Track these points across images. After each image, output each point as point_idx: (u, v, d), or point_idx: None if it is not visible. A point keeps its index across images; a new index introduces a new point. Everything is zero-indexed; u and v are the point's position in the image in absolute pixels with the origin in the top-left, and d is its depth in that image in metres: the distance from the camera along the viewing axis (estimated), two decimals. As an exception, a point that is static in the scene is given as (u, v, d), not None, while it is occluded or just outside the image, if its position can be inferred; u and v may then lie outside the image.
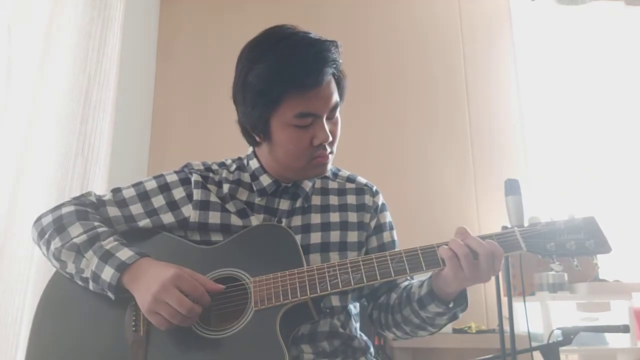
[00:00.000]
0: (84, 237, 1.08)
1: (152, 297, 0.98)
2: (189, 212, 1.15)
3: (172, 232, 1.16)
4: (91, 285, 1.07)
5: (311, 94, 1.04)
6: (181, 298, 0.98)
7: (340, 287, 1.01)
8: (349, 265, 1.03)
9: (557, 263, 1.02)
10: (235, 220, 1.14)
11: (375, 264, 1.02)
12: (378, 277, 1.01)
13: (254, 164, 1.20)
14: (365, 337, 1.21)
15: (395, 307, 1.14)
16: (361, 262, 1.03)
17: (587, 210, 1.16)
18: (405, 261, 1.02)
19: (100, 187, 2.25)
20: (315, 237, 1.16)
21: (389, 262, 1.02)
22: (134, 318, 1.06)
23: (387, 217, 1.27)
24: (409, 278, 1.21)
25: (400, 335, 1.19)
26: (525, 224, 1.08)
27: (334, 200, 1.22)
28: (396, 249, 1.06)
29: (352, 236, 1.18)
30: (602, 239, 1.00)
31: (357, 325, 1.22)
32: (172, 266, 1.02)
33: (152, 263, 1.04)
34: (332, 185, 1.24)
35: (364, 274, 1.02)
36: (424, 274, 1.05)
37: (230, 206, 1.16)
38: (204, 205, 1.15)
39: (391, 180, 3.03)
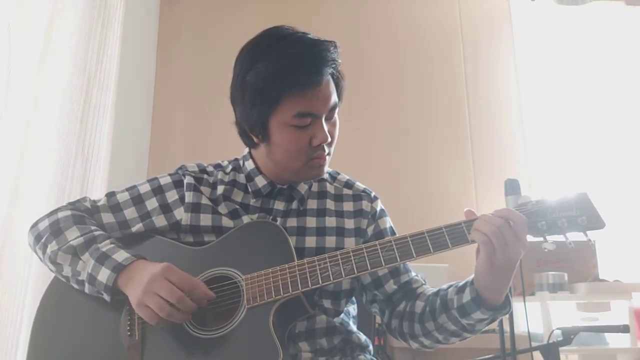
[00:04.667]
0: (80, 239, 1.08)
1: (142, 289, 0.99)
2: (181, 214, 1.15)
3: (165, 234, 1.16)
4: (87, 288, 1.07)
5: (310, 93, 1.04)
6: (170, 287, 0.98)
7: (332, 279, 1.00)
8: (339, 257, 1.02)
9: (549, 242, 0.98)
10: (226, 223, 1.14)
11: (366, 254, 1.01)
12: (369, 267, 1.00)
13: (249, 164, 1.19)
14: (364, 336, 1.20)
15: (427, 315, 1.10)
16: (351, 253, 1.02)
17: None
18: (395, 249, 1.00)
19: (100, 188, 2.25)
20: (310, 242, 1.14)
21: (379, 251, 1.00)
22: (128, 322, 1.06)
23: (387, 222, 1.24)
24: (423, 282, 1.19)
25: (429, 345, 1.14)
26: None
27: (330, 204, 1.20)
28: (386, 239, 1.03)
29: (349, 243, 1.16)
30: (595, 215, 0.96)
31: (354, 327, 1.21)
32: (165, 263, 1.03)
33: (147, 263, 1.05)
34: (330, 188, 1.23)
35: (354, 264, 1.00)
36: (414, 261, 1.02)
37: (222, 208, 1.15)
38: (195, 208, 1.15)
39: (391, 181, 3.02)
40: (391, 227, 1.24)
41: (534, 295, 2.57)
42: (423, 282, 1.20)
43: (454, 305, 1.05)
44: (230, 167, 1.22)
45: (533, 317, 2.33)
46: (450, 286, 1.09)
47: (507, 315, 1.54)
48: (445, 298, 1.07)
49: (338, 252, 1.03)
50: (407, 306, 1.15)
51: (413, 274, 1.20)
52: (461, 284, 1.06)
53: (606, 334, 2.48)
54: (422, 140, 3.18)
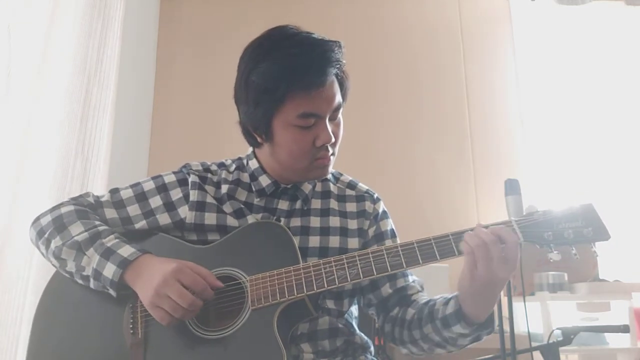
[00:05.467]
0: (85, 235, 1.08)
1: (154, 290, 0.99)
2: (185, 213, 1.15)
3: (169, 232, 1.16)
4: (92, 284, 1.07)
5: (314, 94, 1.03)
6: (182, 291, 0.98)
7: (337, 283, 1.00)
8: (345, 261, 1.02)
9: (555, 252, 0.98)
10: (231, 222, 1.14)
11: (372, 259, 1.01)
12: (374, 272, 1.00)
13: (253, 164, 1.19)
14: (365, 337, 1.20)
15: (415, 323, 1.10)
16: (357, 258, 1.02)
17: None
18: (401, 255, 1.00)
19: (100, 187, 2.25)
20: (314, 241, 1.14)
21: (385, 256, 1.00)
22: (131, 320, 1.06)
23: (389, 224, 1.24)
24: (419, 289, 1.19)
25: (416, 352, 1.15)
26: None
27: (334, 204, 1.20)
28: (392, 244, 1.04)
29: (353, 243, 1.17)
30: (601, 226, 0.97)
31: (357, 328, 1.21)
32: (174, 260, 1.03)
33: (154, 259, 1.05)
34: (333, 189, 1.23)
35: (360, 269, 1.01)
36: (421, 267, 1.02)
37: (227, 207, 1.15)
38: (200, 206, 1.14)
39: (391, 181, 3.02)
40: (392, 229, 1.24)
41: (534, 295, 2.57)
42: (419, 288, 1.19)
43: (438, 316, 1.05)
44: (234, 166, 1.22)
45: (533, 317, 2.34)
46: (442, 297, 1.09)
47: (507, 315, 1.55)
48: (433, 308, 1.08)
49: (344, 256, 1.03)
50: (399, 312, 1.16)
51: (410, 279, 1.20)
52: (450, 295, 1.07)
53: (606, 334, 2.48)
54: (422, 140, 3.18)
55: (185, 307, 0.98)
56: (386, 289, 1.17)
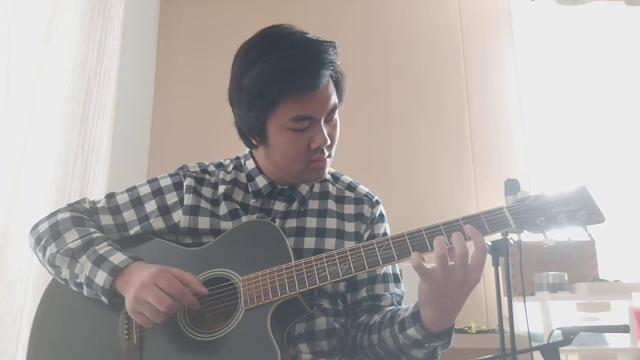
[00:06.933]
0: (78, 242, 1.08)
1: (133, 296, 0.99)
2: (179, 217, 1.14)
3: (163, 236, 1.16)
4: (85, 291, 1.07)
5: (308, 97, 1.01)
6: (159, 295, 0.97)
7: (329, 279, 0.99)
8: (336, 256, 1.01)
9: (548, 238, 0.96)
10: (224, 226, 1.13)
11: (363, 253, 0.99)
12: (366, 266, 0.98)
13: (250, 164, 1.19)
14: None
15: (375, 326, 1.09)
16: (349, 253, 1.00)
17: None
18: (392, 248, 0.98)
19: (100, 187, 2.25)
20: (309, 242, 1.13)
21: (377, 250, 0.99)
22: (126, 326, 1.06)
23: (382, 227, 1.22)
24: (394, 303, 1.17)
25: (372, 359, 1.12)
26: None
27: (332, 205, 1.19)
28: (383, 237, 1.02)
29: (349, 245, 1.14)
30: (595, 209, 0.94)
31: None
32: (157, 266, 1.02)
33: (143, 266, 1.04)
34: (332, 189, 1.22)
35: (351, 264, 0.99)
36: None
37: (222, 208, 1.15)
38: (194, 211, 1.14)
39: (391, 181, 3.02)
40: (385, 232, 1.22)
41: (534, 295, 2.57)
42: (394, 303, 1.17)
43: (397, 320, 1.03)
44: (231, 165, 1.22)
45: (533, 317, 2.33)
46: (409, 305, 1.07)
47: (507, 315, 1.55)
48: (395, 313, 1.06)
49: (335, 252, 1.01)
50: (366, 319, 1.14)
51: (391, 289, 1.18)
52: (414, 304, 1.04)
53: (606, 334, 2.48)
54: (422, 140, 3.18)
55: (163, 311, 0.97)
56: (362, 292, 1.16)
